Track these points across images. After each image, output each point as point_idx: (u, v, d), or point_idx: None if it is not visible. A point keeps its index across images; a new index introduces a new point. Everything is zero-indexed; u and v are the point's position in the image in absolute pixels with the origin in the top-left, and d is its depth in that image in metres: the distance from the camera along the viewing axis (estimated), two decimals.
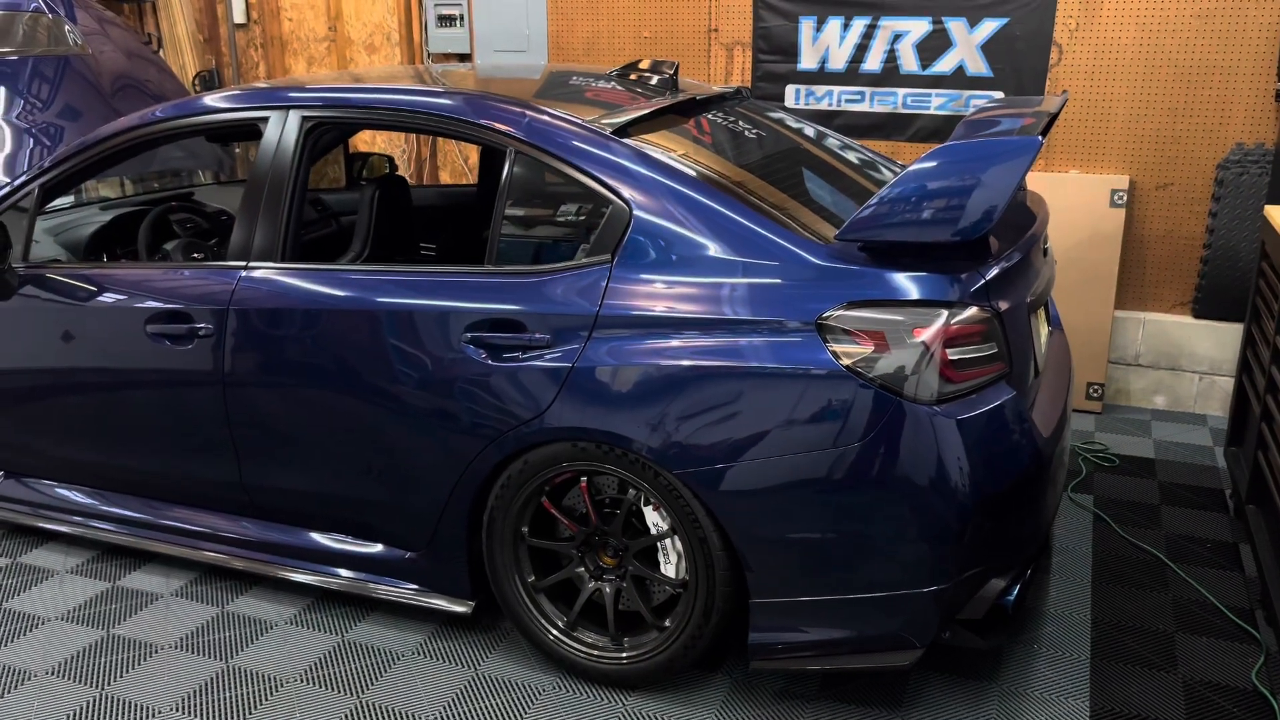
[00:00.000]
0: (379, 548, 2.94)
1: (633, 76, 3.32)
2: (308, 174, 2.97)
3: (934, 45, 4.61)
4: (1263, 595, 2.79)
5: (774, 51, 4.90)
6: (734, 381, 2.38)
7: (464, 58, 5.67)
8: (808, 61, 4.85)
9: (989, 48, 4.53)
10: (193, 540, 3.20)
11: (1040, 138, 2.28)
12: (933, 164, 2.33)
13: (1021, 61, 4.50)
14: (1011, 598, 2.53)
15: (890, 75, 4.72)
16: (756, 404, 2.37)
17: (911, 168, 2.33)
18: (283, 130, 2.93)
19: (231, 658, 2.87)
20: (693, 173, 2.57)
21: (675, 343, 2.42)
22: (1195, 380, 4.54)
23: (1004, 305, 2.45)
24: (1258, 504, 3.11)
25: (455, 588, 2.86)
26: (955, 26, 4.56)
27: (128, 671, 2.81)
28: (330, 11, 5.94)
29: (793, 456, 2.36)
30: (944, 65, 4.63)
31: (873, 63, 4.73)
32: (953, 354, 2.31)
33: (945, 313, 2.31)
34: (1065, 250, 4.48)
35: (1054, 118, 3.33)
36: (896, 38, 4.66)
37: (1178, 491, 3.78)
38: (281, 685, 2.74)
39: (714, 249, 2.46)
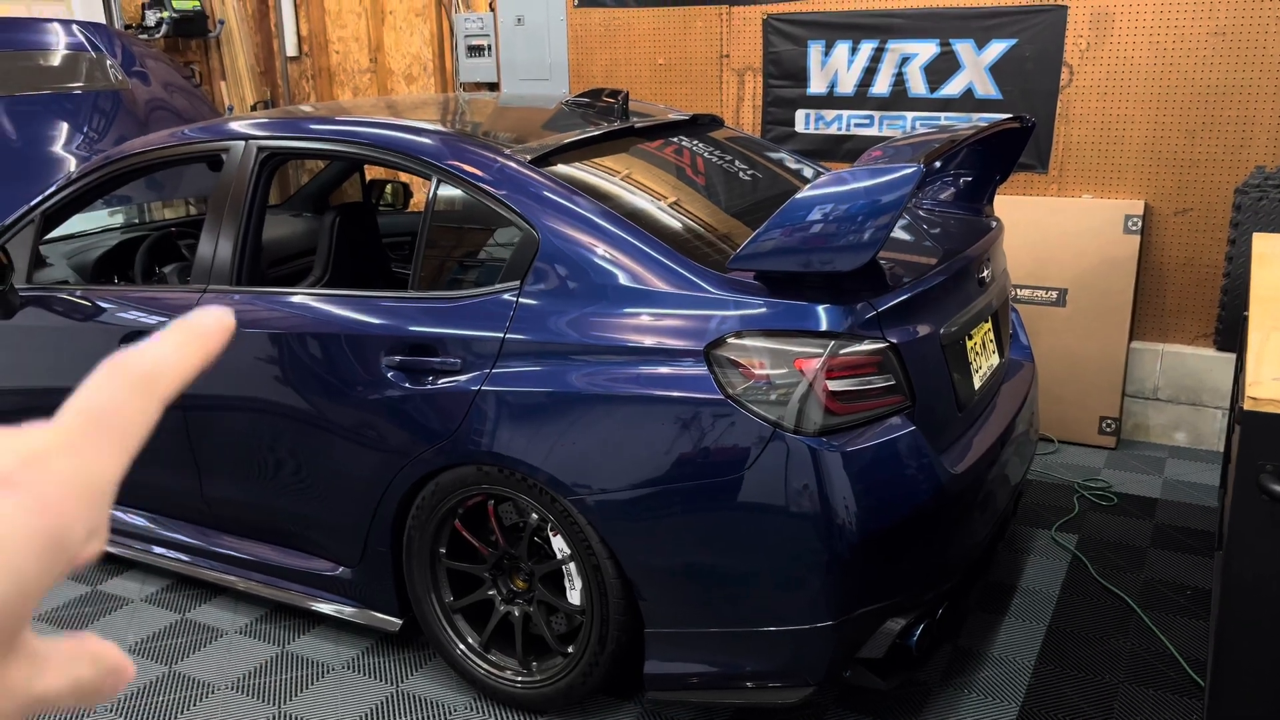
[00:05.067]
0: (320, 563, 3.03)
1: (590, 104, 3.36)
2: (265, 201, 3.10)
3: (942, 68, 4.51)
4: None
5: (784, 76, 4.87)
6: (624, 408, 2.38)
7: (492, 86, 5.81)
8: (817, 86, 4.81)
9: (998, 69, 4.41)
10: (155, 548, 3.36)
11: (922, 166, 2.21)
12: (815, 194, 2.29)
13: (1031, 83, 4.36)
14: (914, 639, 2.44)
15: (899, 99, 4.64)
16: (645, 432, 2.36)
17: (796, 197, 2.30)
18: (240, 160, 3.08)
19: (177, 663, 3.00)
20: (601, 201, 2.59)
21: (572, 369, 2.44)
22: (1218, 416, 4.28)
23: (906, 336, 2.39)
24: (1222, 550, 2.92)
25: (385, 605, 2.92)
26: (963, 48, 4.45)
27: None
28: (372, 44, 6.18)
29: (679, 485, 2.35)
30: (952, 88, 4.52)
31: (881, 86, 4.66)
32: (836, 385, 2.26)
33: (831, 344, 2.26)
34: (1077, 278, 4.31)
35: (1025, 141, 3.23)
36: (904, 60, 4.58)
37: (1172, 534, 3.57)
38: (213, 692, 2.86)
39: (616, 277, 2.47)
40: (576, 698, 2.63)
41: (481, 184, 2.66)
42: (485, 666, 2.75)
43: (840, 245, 2.22)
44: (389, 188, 4.97)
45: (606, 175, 2.79)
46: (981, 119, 4.47)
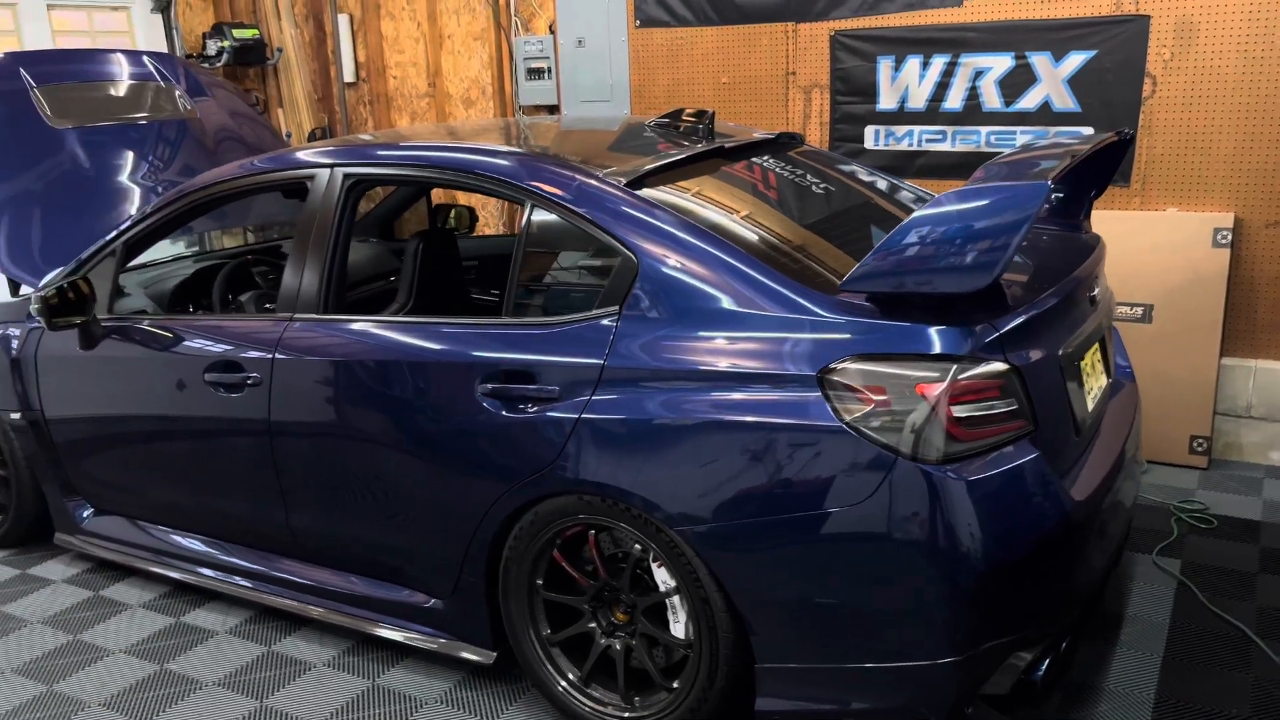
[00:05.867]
0: (410, 594, 2.97)
1: (672, 125, 3.31)
2: (350, 229, 3.07)
3: (1017, 81, 4.42)
4: None
5: (852, 93, 4.80)
6: (734, 436, 2.31)
7: (552, 109, 5.79)
8: (887, 102, 4.73)
9: (1076, 82, 4.31)
10: (253, 582, 3.32)
11: (1049, 183, 2.13)
12: (935, 212, 2.22)
13: (1112, 95, 4.26)
14: (1040, 673, 2.34)
15: (972, 113, 4.55)
16: (756, 460, 2.29)
17: (914, 215, 2.23)
18: (325, 188, 3.05)
19: (267, 697, 2.96)
20: (700, 223, 2.53)
21: (677, 396, 2.38)
22: None
23: (1027, 359, 2.30)
24: None
25: (478, 637, 2.86)
26: (1039, 61, 4.36)
27: (171, 706, 2.93)
28: (430, 69, 6.18)
29: (793, 515, 2.27)
30: (1028, 101, 4.43)
31: (954, 101, 4.57)
32: (959, 411, 2.18)
33: (952, 367, 2.18)
34: (1163, 294, 4.19)
35: (1122, 154, 3.14)
36: (978, 75, 4.49)
37: None
38: None
39: (719, 300, 2.40)
40: None
41: (578, 208, 2.60)
42: (587, 702, 2.67)
43: (964, 265, 2.14)
44: (454, 212, 4.95)
45: (702, 197, 2.73)
46: (1060, 133, 4.39)
